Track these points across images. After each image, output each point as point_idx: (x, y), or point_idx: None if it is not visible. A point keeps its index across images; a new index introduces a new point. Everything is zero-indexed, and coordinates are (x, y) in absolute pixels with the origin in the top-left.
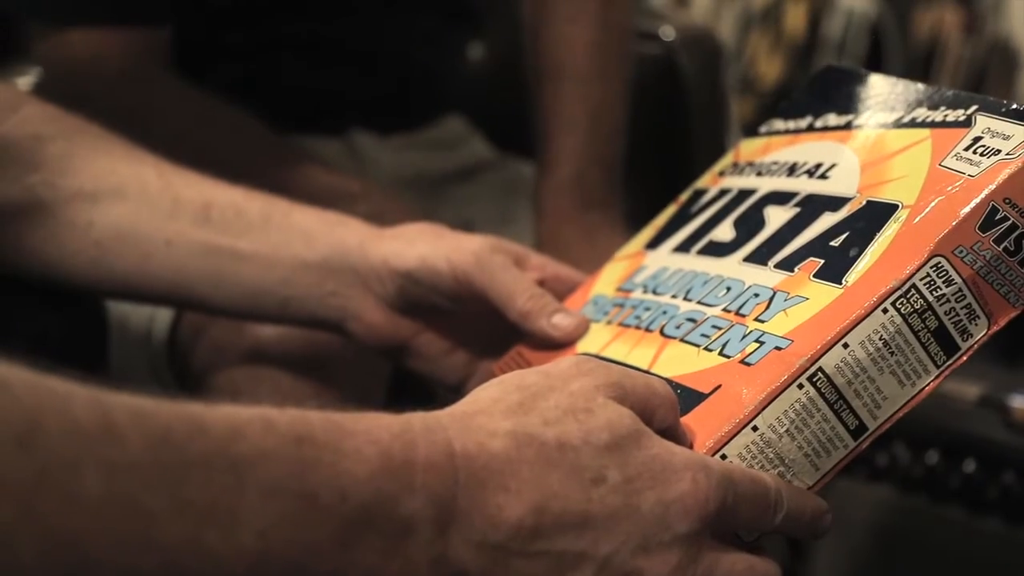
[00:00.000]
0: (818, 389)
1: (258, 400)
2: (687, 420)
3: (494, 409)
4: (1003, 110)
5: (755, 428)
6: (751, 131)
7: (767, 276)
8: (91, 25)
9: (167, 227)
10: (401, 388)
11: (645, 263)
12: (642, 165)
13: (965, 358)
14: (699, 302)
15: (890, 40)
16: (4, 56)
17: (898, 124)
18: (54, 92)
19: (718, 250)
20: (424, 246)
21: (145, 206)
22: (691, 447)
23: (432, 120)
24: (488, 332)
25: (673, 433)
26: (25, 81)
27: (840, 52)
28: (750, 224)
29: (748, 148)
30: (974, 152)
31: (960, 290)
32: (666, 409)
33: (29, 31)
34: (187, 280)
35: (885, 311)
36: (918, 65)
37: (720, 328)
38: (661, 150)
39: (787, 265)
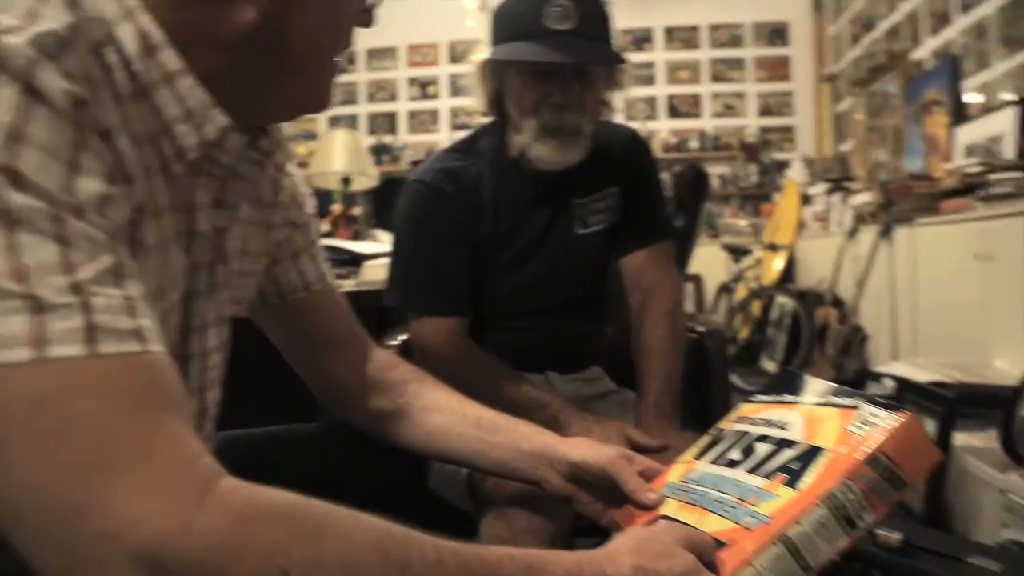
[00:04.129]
0: (785, 546)
1: (512, 522)
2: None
3: (624, 550)
4: (875, 401)
5: (751, 565)
6: (747, 399)
7: (758, 481)
8: (434, 315)
9: (459, 429)
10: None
11: (695, 467)
12: (688, 398)
13: (863, 530)
14: (722, 492)
15: (803, 322)
16: (385, 328)
17: (821, 404)
18: (417, 353)
19: (732, 464)
20: (585, 449)
21: (450, 417)
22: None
23: (586, 367)
24: (613, 495)
25: (713, 567)
26: (395, 342)
27: (778, 326)
28: (748, 451)
29: (745, 408)
30: (863, 424)
31: (858, 497)
32: (710, 552)
33: (401, 315)
34: (467, 456)
35: (819, 505)
36: (817, 336)
37: (734, 508)
38: (697, 391)
39: (767, 476)
